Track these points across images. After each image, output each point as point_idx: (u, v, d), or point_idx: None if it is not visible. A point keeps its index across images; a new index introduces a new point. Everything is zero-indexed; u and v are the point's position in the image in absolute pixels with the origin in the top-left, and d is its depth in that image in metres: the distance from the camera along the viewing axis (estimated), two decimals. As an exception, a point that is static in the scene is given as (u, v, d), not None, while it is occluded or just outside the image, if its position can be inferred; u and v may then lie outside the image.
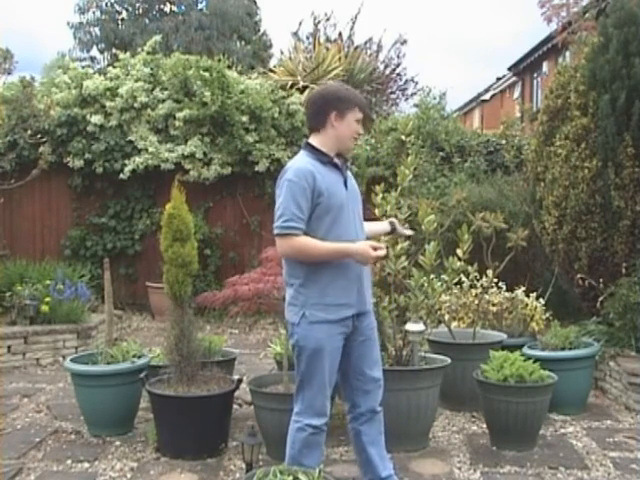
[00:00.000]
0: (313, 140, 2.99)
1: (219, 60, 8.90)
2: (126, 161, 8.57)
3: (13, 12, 37.30)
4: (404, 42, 13.53)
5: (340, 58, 10.72)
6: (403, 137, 4.79)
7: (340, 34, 13.28)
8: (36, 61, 39.69)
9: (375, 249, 2.82)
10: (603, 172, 5.34)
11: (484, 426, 4.29)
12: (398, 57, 13.49)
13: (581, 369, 4.72)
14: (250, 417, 4.27)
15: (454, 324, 5.39)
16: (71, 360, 4.44)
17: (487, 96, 22.49)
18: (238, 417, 4.45)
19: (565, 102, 5.78)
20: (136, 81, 8.69)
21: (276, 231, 2.85)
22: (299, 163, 2.91)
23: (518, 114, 15.35)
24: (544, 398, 4.04)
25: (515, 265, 5.94)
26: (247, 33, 23.00)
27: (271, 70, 11.18)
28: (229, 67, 9.00)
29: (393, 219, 3.52)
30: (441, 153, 8.61)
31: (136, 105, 8.60)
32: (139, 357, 4.43)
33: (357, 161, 8.31)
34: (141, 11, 23.34)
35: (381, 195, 4.18)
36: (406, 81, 13.51)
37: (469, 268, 4.88)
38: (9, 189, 8.12)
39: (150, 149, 8.47)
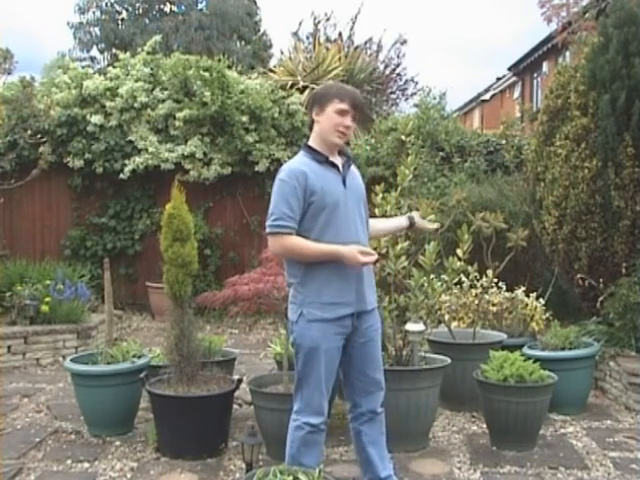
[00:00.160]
0: (310, 140, 3.02)
1: (219, 60, 8.90)
2: (126, 161, 8.57)
3: (13, 12, 37.33)
4: (404, 42, 13.53)
5: (340, 58, 10.72)
6: (403, 137, 4.79)
7: (340, 34, 13.28)
8: (36, 61, 39.70)
9: (364, 254, 2.80)
10: (603, 172, 5.34)
11: (484, 426, 4.29)
12: (398, 57, 13.49)
13: (581, 369, 4.72)
14: (250, 417, 4.27)
15: (454, 324, 5.39)
16: (71, 360, 4.44)
17: (487, 96, 22.49)
18: (238, 417, 4.45)
19: (565, 102, 5.78)
20: (136, 81, 8.69)
21: (267, 230, 2.90)
22: (292, 163, 2.94)
23: (518, 114, 15.35)
24: (544, 398, 4.04)
25: (515, 265, 5.94)
26: (247, 33, 23.01)
27: (271, 70, 11.18)
28: (229, 67, 9.00)
29: (413, 213, 3.42)
30: (441, 153, 8.61)
31: (136, 105, 8.60)
32: (139, 357, 4.43)
33: (357, 161, 8.31)
34: (141, 11, 23.34)
35: (381, 195, 4.19)
36: (406, 81, 13.50)
37: (469, 268, 4.88)
38: (9, 189, 8.12)
39: (150, 149, 8.47)
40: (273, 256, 4.10)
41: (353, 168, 3.09)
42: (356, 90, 3.04)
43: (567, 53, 12.89)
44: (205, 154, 8.55)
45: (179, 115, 8.41)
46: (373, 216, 3.89)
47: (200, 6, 23.55)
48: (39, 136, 8.53)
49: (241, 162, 8.70)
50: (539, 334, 5.30)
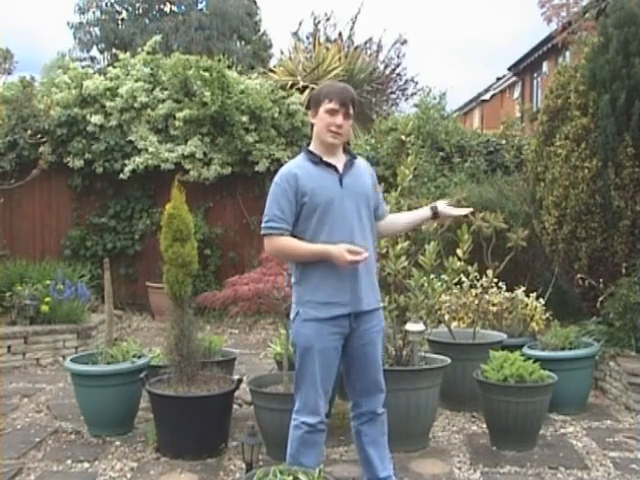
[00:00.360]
0: (312, 142, 3.05)
1: (219, 60, 8.90)
2: (126, 161, 8.57)
3: (13, 12, 37.33)
4: (404, 42, 13.50)
5: (340, 58, 10.72)
6: (403, 137, 4.80)
7: (340, 34, 13.25)
8: (36, 61, 39.69)
9: (352, 253, 2.78)
10: (603, 172, 5.34)
11: (484, 426, 4.29)
12: (398, 57, 13.46)
13: (581, 369, 4.72)
14: (250, 417, 4.27)
15: (454, 324, 5.39)
16: (71, 360, 4.44)
17: (487, 96, 22.49)
18: (238, 417, 4.45)
19: (565, 102, 5.78)
20: (136, 81, 8.69)
21: (261, 232, 2.97)
22: (287, 166, 3.00)
23: (518, 114, 15.35)
24: (544, 398, 4.04)
25: (515, 265, 5.94)
26: (247, 33, 23.01)
27: (271, 70, 11.18)
28: (229, 67, 9.00)
29: (438, 202, 3.21)
30: (441, 153, 8.61)
31: (136, 105, 8.60)
32: (139, 357, 4.43)
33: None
34: (141, 11, 23.35)
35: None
36: (406, 81, 13.48)
37: (469, 268, 4.88)
38: (9, 189, 8.12)
39: (150, 149, 8.47)
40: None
41: (360, 166, 3.06)
42: (346, 87, 3.01)
43: (567, 53, 12.89)
44: (205, 154, 8.55)
45: (179, 115, 8.41)
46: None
47: (200, 6, 23.56)
48: (39, 136, 8.53)
49: (241, 162, 8.70)
50: (539, 334, 5.30)
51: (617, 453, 3.97)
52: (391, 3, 51.47)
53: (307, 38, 13.66)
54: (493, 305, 5.50)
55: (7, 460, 3.86)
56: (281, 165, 3.18)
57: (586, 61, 5.61)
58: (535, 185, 6.13)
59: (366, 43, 13.31)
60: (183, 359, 3.98)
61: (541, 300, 5.54)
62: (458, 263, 4.55)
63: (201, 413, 3.84)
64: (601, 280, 5.39)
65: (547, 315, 5.49)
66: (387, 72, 13.04)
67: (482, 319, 5.39)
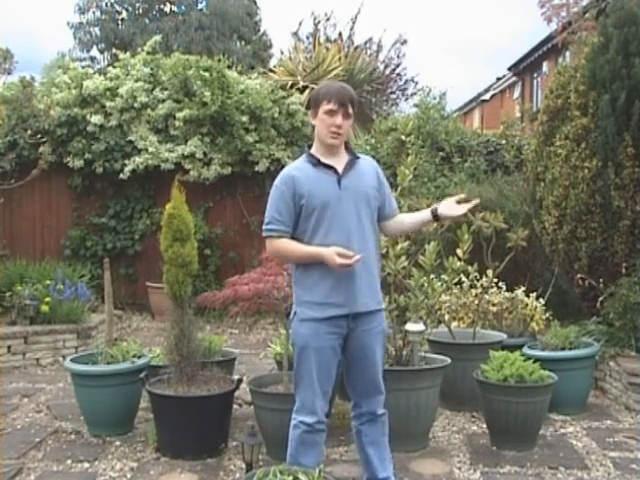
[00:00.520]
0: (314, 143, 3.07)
1: (219, 60, 8.90)
2: (126, 161, 8.57)
3: (13, 12, 37.31)
4: (404, 42, 13.49)
5: (340, 58, 10.71)
6: (403, 137, 4.80)
7: (340, 34, 13.25)
8: (36, 61, 39.68)
9: (342, 256, 2.78)
10: (603, 172, 5.34)
11: (484, 426, 4.29)
12: (398, 57, 13.45)
13: (581, 369, 4.72)
14: (250, 417, 4.27)
15: (454, 324, 5.39)
16: (71, 360, 4.44)
17: (487, 96, 22.48)
18: (238, 417, 4.45)
19: (565, 102, 5.78)
20: (136, 81, 8.69)
21: (262, 234, 3.03)
22: (287, 168, 3.05)
23: (518, 114, 15.35)
24: (544, 398, 4.04)
25: (515, 265, 5.94)
26: (247, 33, 23.01)
27: (271, 70, 11.18)
28: (229, 67, 9.00)
29: (440, 204, 3.10)
30: (441, 153, 8.61)
31: (136, 105, 8.60)
32: (139, 357, 4.43)
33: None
34: (141, 11, 23.35)
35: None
36: (406, 81, 13.47)
37: (469, 268, 4.89)
38: (9, 189, 8.12)
39: (150, 149, 8.47)
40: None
41: (362, 166, 3.04)
42: (343, 86, 3.00)
43: (567, 53, 12.89)
44: (205, 154, 8.55)
45: (179, 115, 8.41)
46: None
47: (200, 6, 23.56)
48: (39, 136, 8.53)
49: (241, 162, 8.70)
50: (539, 334, 5.30)
51: (617, 453, 3.97)
52: (391, 3, 51.51)
53: (307, 38, 13.66)
54: (493, 305, 5.50)
55: (7, 460, 3.86)
56: (281, 165, 3.20)
57: (586, 61, 5.61)
58: (535, 185, 6.13)
59: (366, 43, 13.31)
60: (183, 359, 3.98)
61: (541, 300, 5.54)
62: (458, 263, 4.55)
63: (201, 413, 3.84)
64: (601, 280, 5.39)
65: (547, 315, 5.49)
66: (387, 72, 13.04)
67: (482, 319, 5.39)
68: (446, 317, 5.38)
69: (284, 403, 3.45)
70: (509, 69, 19.67)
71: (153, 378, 4.07)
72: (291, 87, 9.51)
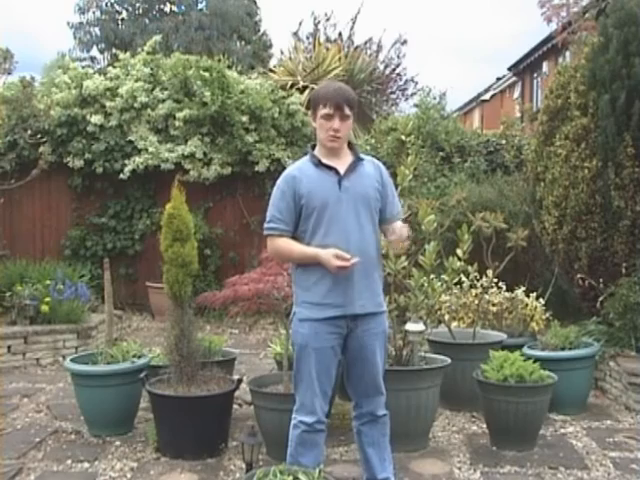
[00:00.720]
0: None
1: (219, 60, 8.91)
2: (126, 161, 8.57)
3: (13, 12, 37.31)
4: (404, 42, 13.48)
5: (340, 58, 10.72)
6: (403, 137, 4.81)
7: (340, 34, 13.26)
8: (36, 61, 39.59)
9: (338, 258, 2.78)
10: (603, 172, 5.34)
11: (484, 426, 4.29)
12: (398, 57, 13.45)
13: (581, 369, 4.72)
14: (250, 417, 4.27)
15: (454, 324, 5.39)
16: (71, 360, 4.44)
17: (487, 96, 22.47)
18: (238, 417, 4.45)
19: (565, 102, 5.78)
20: (136, 81, 8.69)
21: (263, 232, 3.06)
22: (289, 167, 3.08)
23: (518, 114, 15.34)
24: (544, 398, 4.04)
25: (515, 265, 5.94)
26: (247, 33, 23.01)
27: (271, 70, 11.20)
28: (229, 67, 9.01)
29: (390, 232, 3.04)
30: (441, 153, 8.61)
31: (136, 105, 8.60)
32: (139, 357, 4.43)
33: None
34: (141, 11, 23.35)
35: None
36: (406, 81, 13.47)
37: (469, 268, 4.88)
38: (9, 189, 8.13)
39: (150, 149, 8.47)
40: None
41: (365, 168, 3.02)
42: (340, 87, 2.99)
43: (567, 53, 12.89)
44: (205, 154, 8.55)
45: (179, 115, 8.41)
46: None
47: (200, 6, 23.56)
48: (39, 136, 8.54)
49: (241, 162, 8.70)
50: (539, 334, 5.30)
51: (617, 453, 3.97)
52: (391, 3, 51.51)
53: (307, 38, 13.65)
54: (493, 305, 5.51)
55: (7, 460, 3.86)
56: (281, 165, 3.22)
57: (586, 61, 5.61)
58: (535, 185, 6.13)
59: (366, 43, 13.31)
60: (183, 359, 3.98)
61: (541, 300, 5.54)
62: (458, 263, 4.55)
63: (201, 413, 3.84)
64: (601, 280, 5.39)
65: (547, 315, 5.49)
66: (387, 72, 13.03)
67: (482, 319, 5.40)
68: (446, 317, 5.38)
69: (284, 403, 3.45)
70: (509, 69, 19.67)
71: (153, 378, 4.07)
72: (291, 87, 9.51)
